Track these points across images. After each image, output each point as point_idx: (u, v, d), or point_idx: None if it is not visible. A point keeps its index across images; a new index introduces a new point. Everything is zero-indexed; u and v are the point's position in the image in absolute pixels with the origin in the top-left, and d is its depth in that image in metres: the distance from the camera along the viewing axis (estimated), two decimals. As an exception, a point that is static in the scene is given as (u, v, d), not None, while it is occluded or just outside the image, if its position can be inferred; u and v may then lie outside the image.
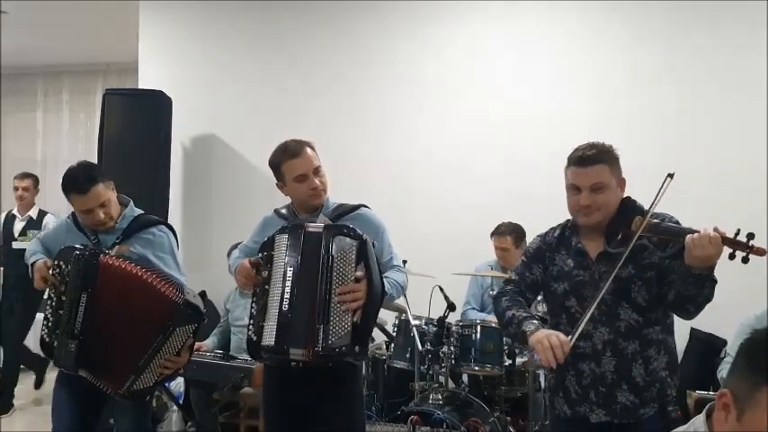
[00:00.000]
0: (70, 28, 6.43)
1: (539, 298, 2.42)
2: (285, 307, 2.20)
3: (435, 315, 3.78)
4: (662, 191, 2.04)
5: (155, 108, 4.87)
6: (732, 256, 1.91)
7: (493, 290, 4.09)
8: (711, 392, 3.38)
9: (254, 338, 2.26)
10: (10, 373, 5.07)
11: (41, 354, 2.67)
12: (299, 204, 2.52)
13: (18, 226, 5.24)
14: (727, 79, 4.46)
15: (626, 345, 2.10)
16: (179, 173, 5.30)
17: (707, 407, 1.29)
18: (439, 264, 4.04)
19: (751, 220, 1.96)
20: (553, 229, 2.32)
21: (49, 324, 2.47)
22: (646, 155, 4.00)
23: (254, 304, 2.32)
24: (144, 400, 2.66)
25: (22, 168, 5.82)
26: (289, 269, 2.23)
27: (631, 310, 2.11)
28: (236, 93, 5.35)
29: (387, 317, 4.03)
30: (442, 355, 3.65)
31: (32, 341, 5.58)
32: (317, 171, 2.46)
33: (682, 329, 3.67)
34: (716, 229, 1.91)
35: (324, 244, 2.22)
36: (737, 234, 1.90)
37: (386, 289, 2.33)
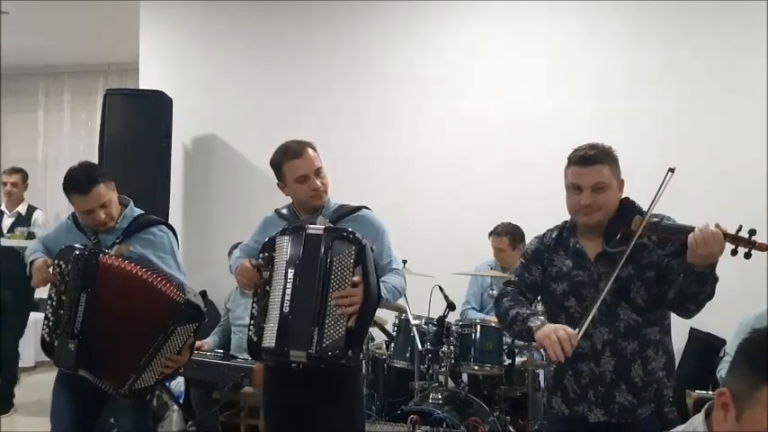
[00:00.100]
0: (71, 28, 6.43)
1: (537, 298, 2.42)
2: (286, 309, 2.21)
3: (435, 315, 3.78)
4: (663, 186, 2.04)
5: (155, 108, 4.87)
6: (734, 252, 1.91)
7: (492, 289, 4.10)
8: (711, 392, 3.38)
9: (255, 339, 2.27)
10: (8, 372, 5.02)
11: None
12: (300, 205, 2.52)
13: (6, 222, 5.09)
14: (727, 79, 4.46)
15: (625, 345, 2.11)
16: (179, 173, 5.30)
17: (706, 406, 1.29)
18: (439, 264, 4.05)
19: (751, 220, 1.96)
20: (551, 230, 2.32)
21: (50, 324, 2.47)
22: (646, 155, 4.00)
23: (254, 305, 2.32)
24: (145, 399, 2.67)
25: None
26: (290, 271, 2.24)
27: (630, 310, 2.11)
28: (236, 93, 5.35)
29: (387, 316, 4.03)
30: (441, 354, 3.65)
31: (33, 341, 5.62)
32: (318, 172, 2.47)
33: (681, 329, 3.68)
34: (717, 226, 1.92)
35: (323, 247, 2.23)
36: (739, 230, 1.91)
37: (382, 294, 2.33)
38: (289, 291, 2.22)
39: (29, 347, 5.80)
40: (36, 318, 5.21)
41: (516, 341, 3.85)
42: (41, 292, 2.70)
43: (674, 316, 2.20)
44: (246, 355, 3.42)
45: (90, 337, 2.40)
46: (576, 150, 2.18)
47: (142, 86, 5.39)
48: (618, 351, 2.11)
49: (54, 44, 6.95)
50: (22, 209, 5.18)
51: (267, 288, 2.28)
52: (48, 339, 2.48)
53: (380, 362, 4.10)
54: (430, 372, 3.67)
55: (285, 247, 2.28)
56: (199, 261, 4.98)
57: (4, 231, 5.03)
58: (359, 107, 5.11)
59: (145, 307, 2.41)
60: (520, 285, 2.29)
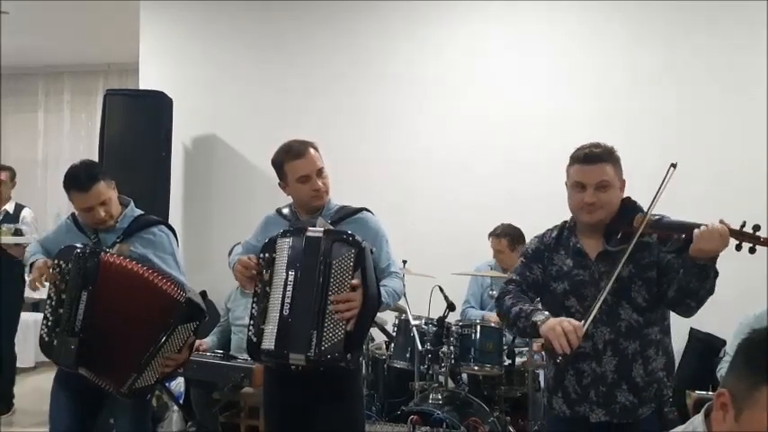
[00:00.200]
0: (71, 28, 6.43)
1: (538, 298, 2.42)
2: (286, 311, 2.21)
3: (435, 315, 3.79)
4: (665, 181, 2.04)
5: (155, 108, 4.87)
6: (739, 248, 1.93)
7: (492, 289, 4.10)
8: (711, 392, 3.38)
9: (254, 340, 2.27)
10: (6, 372, 4.97)
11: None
12: (301, 205, 2.52)
13: None
14: (727, 79, 4.47)
15: (627, 345, 2.11)
16: (180, 173, 5.30)
17: (705, 406, 1.28)
18: (439, 264, 4.05)
19: (751, 220, 1.96)
20: (551, 229, 2.32)
21: (49, 323, 2.46)
22: (646, 155, 3.98)
23: (254, 305, 2.32)
24: (145, 398, 2.66)
25: (23, 169, 5.75)
26: (290, 273, 2.24)
27: (631, 309, 2.11)
28: (236, 93, 5.35)
29: (387, 317, 4.03)
30: (441, 354, 3.65)
31: (33, 342, 5.59)
32: (319, 172, 2.46)
33: (681, 329, 3.69)
34: (722, 221, 1.93)
35: (323, 249, 2.23)
36: (743, 226, 1.93)
37: (382, 298, 2.33)
38: (289, 293, 2.22)
39: (29, 348, 5.79)
40: (36, 318, 5.19)
41: (516, 341, 3.86)
42: (41, 293, 2.68)
43: (674, 316, 2.20)
44: (246, 356, 3.42)
45: (90, 336, 2.39)
46: (579, 149, 2.18)
47: (142, 86, 5.39)
48: (619, 351, 2.11)
49: (54, 44, 6.95)
50: (9, 207, 5.09)
51: (267, 289, 2.27)
52: (47, 339, 2.47)
53: (380, 362, 4.09)
54: (430, 372, 3.67)
55: (286, 249, 2.27)
56: (199, 261, 4.98)
57: None
58: (359, 107, 5.11)
59: (146, 305, 2.41)
60: (521, 284, 2.28)
